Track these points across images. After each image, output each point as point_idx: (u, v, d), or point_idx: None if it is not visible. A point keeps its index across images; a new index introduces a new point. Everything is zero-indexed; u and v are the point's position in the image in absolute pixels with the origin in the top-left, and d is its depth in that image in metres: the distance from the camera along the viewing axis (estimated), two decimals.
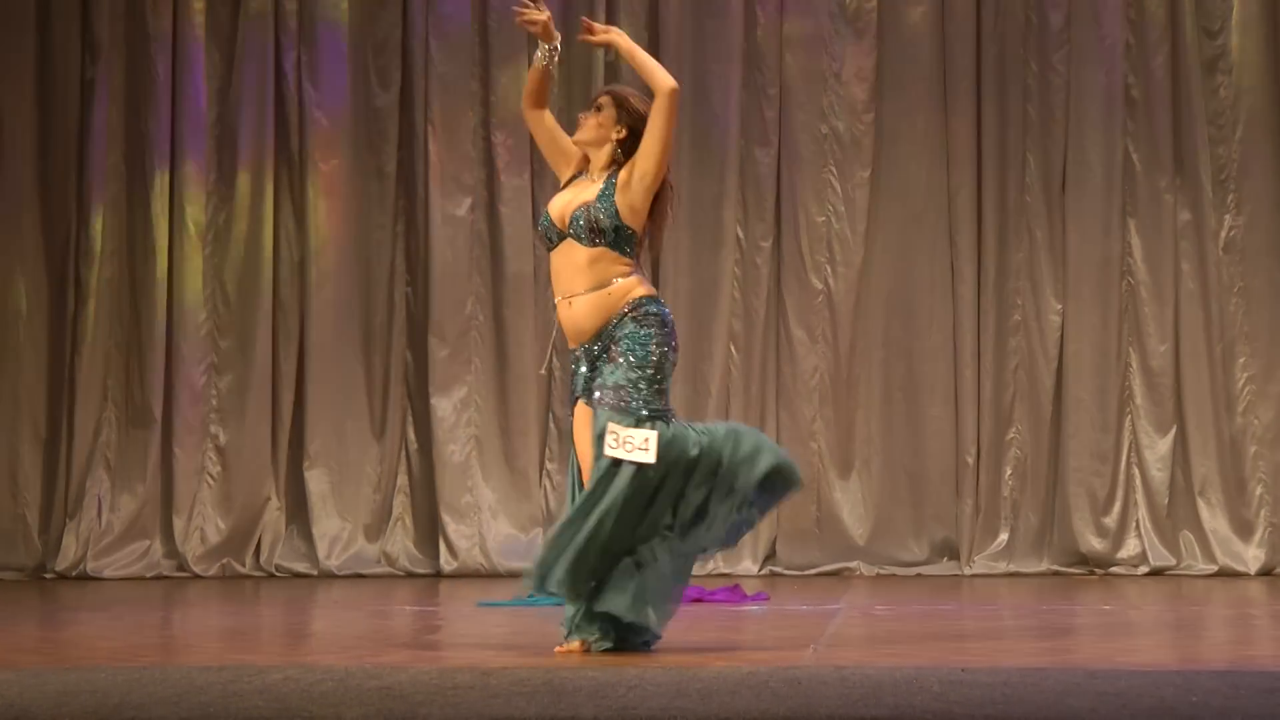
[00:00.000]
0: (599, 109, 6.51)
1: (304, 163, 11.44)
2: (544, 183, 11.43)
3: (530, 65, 6.59)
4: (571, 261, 6.33)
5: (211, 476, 11.37)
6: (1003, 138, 11.29)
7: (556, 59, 6.51)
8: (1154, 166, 11.19)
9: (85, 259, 11.38)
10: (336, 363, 11.41)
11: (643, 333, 6.26)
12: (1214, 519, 11.06)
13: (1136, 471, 11.15)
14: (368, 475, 11.41)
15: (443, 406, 11.33)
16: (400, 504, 11.46)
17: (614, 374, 6.23)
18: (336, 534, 11.33)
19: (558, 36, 6.51)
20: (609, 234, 6.30)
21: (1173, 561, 11.03)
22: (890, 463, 11.27)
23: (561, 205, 6.41)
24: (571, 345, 6.41)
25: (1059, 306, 11.22)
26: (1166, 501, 11.09)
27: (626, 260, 6.34)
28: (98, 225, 11.37)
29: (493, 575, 11.13)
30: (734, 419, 11.18)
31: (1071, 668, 5.66)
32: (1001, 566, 11.12)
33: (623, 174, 6.38)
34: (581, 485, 6.34)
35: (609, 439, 6.13)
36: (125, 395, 11.40)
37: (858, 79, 11.35)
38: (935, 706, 4.57)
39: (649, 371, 6.24)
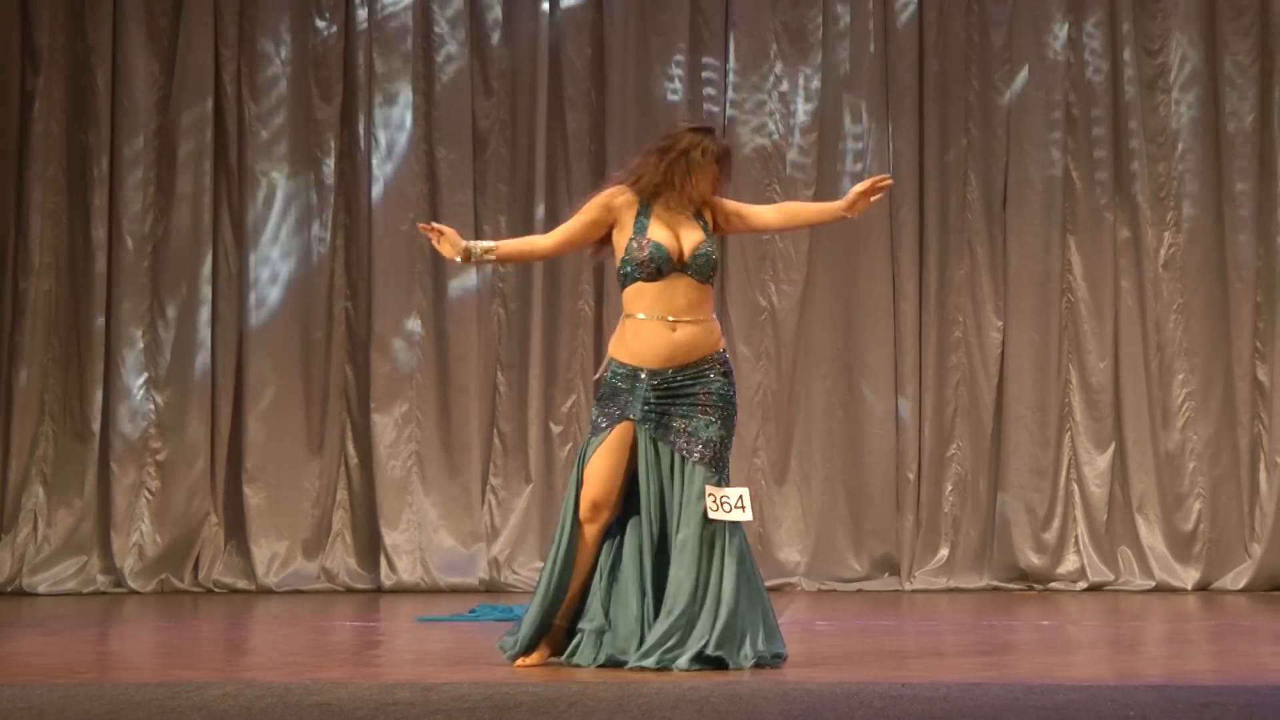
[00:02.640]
0: (720, 163, 6.61)
1: (244, 175, 11.39)
2: (486, 197, 11.42)
3: (487, 259, 6.72)
4: (684, 293, 6.51)
5: (150, 492, 11.29)
6: (944, 155, 11.34)
7: (489, 253, 6.61)
8: (1094, 184, 11.25)
9: (23, 271, 11.28)
10: (275, 377, 11.35)
11: (730, 391, 6.55)
12: (1152, 535, 11.12)
13: (1076, 488, 11.20)
14: (307, 491, 11.35)
15: (383, 421, 11.29)
16: (340, 519, 11.41)
17: (709, 429, 6.45)
18: (275, 549, 11.27)
19: (461, 245, 6.57)
20: (717, 273, 6.63)
21: (1111, 577, 11.09)
22: (831, 478, 11.29)
23: (671, 237, 6.51)
24: (651, 364, 6.46)
25: (999, 323, 11.27)
26: (1105, 518, 11.14)
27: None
28: (36, 237, 11.28)
29: (434, 591, 11.10)
30: None
31: (1011, 683, 5.68)
32: (942, 582, 11.15)
33: (708, 214, 6.61)
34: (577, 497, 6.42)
35: (709, 501, 6.34)
36: (63, 409, 11.31)
37: (801, 97, 11.37)
38: None
39: (732, 431, 6.55)
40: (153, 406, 11.31)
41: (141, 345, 11.32)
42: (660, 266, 6.46)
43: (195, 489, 11.28)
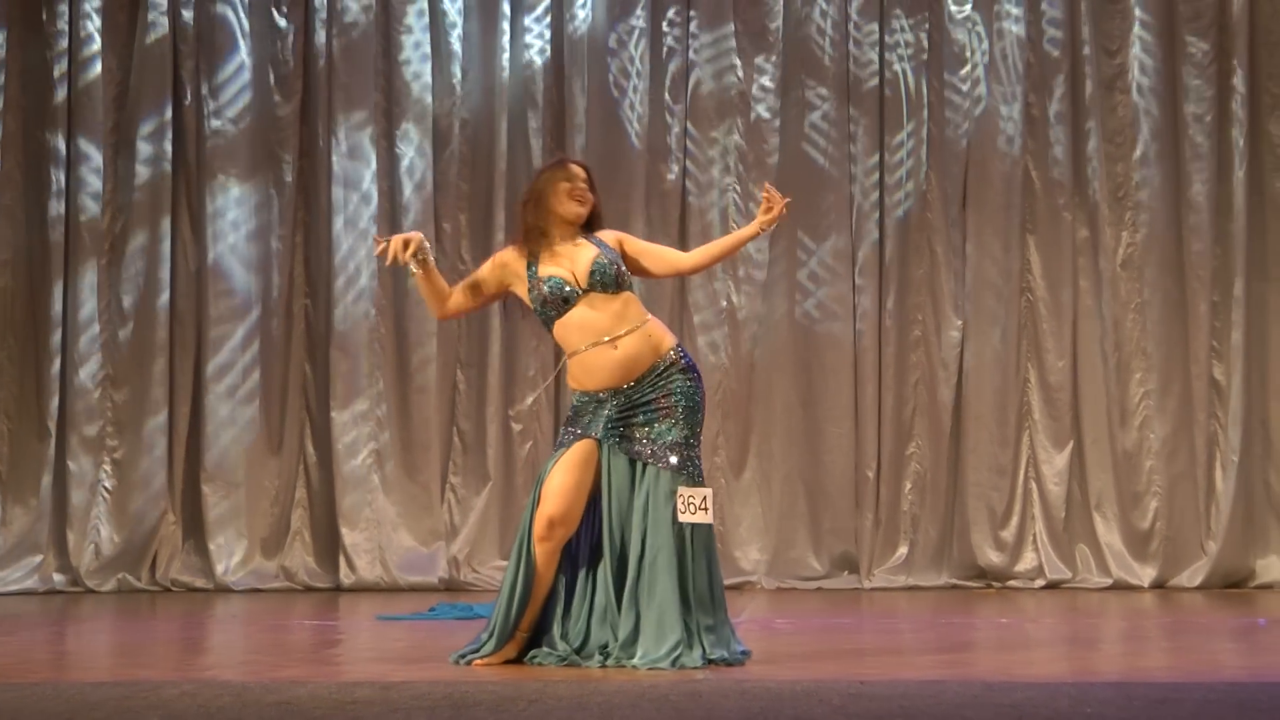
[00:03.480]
0: (585, 182, 6.65)
1: (202, 172, 11.35)
2: (446, 195, 11.41)
3: (411, 276, 6.67)
4: (602, 309, 6.49)
5: (107, 490, 11.25)
6: (904, 155, 11.36)
7: (428, 260, 6.56)
8: (1053, 184, 11.29)
9: None
10: (234, 375, 11.32)
11: (692, 387, 6.53)
12: (1109, 533, 11.17)
13: (1034, 486, 11.24)
14: (265, 489, 11.33)
15: (343, 419, 11.27)
16: (299, 518, 11.39)
17: (671, 431, 6.44)
18: (234, 548, 11.24)
19: (412, 253, 6.51)
20: (628, 279, 6.55)
21: (1069, 575, 11.13)
22: (791, 477, 11.30)
23: (562, 268, 6.51)
24: (609, 386, 6.45)
25: (959, 322, 11.30)
26: (1063, 515, 11.19)
27: (637, 299, 6.62)
28: None
29: (393, 589, 11.08)
30: None
31: (969, 680, 5.69)
32: (901, 580, 11.18)
33: (611, 238, 6.65)
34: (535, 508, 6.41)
35: (679, 503, 6.33)
36: (19, 407, 11.26)
37: (762, 97, 11.38)
38: (835, 719, 4.58)
39: (698, 428, 6.54)
40: (110, 405, 11.27)
41: (99, 343, 11.27)
42: (565, 296, 6.47)
43: (153, 487, 11.24)
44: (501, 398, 11.29)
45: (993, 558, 11.16)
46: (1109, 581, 11.08)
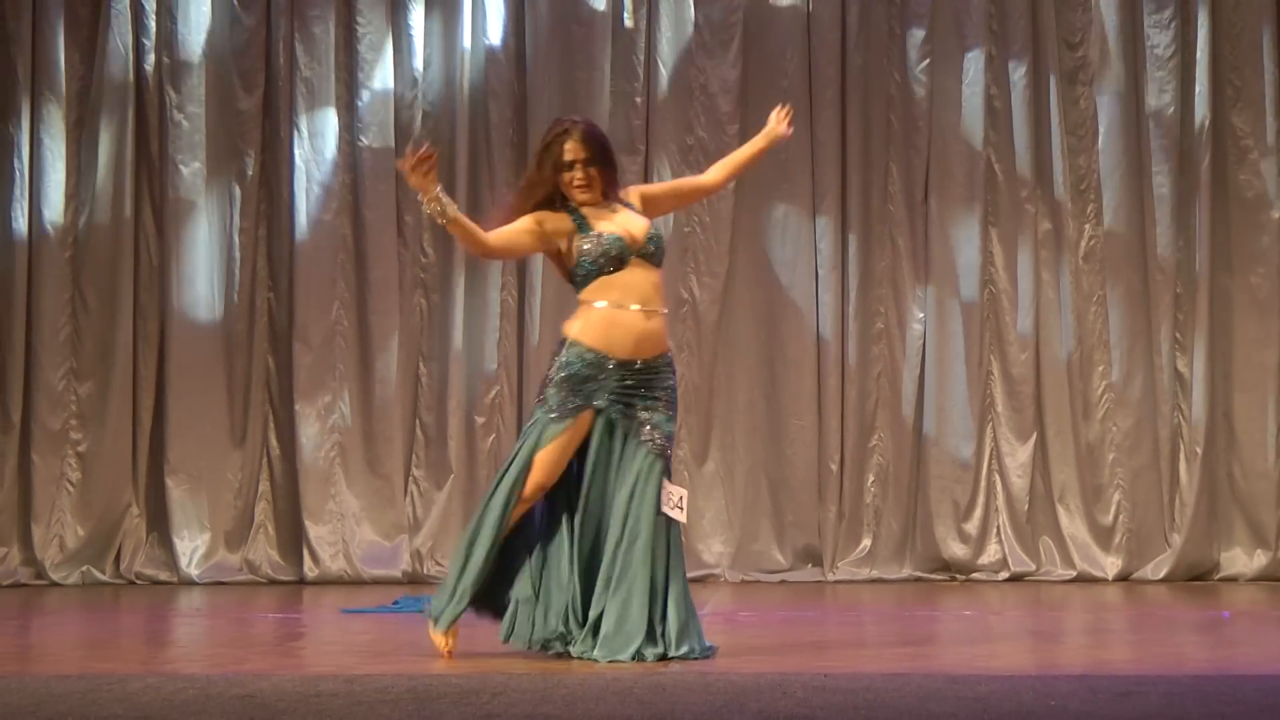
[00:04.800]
0: (584, 165, 6.54)
1: (165, 166, 11.31)
2: (407, 187, 11.34)
3: (444, 218, 6.44)
4: (649, 280, 6.53)
5: (71, 483, 11.21)
6: (866, 147, 11.38)
7: (443, 215, 6.40)
8: (1015, 176, 11.32)
9: None
10: (197, 368, 11.29)
11: (674, 386, 6.56)
12: (1073, 525, 11.20)
13: (997, 478, 11.27)
14: (229, 482, 11.30)
15: (306, 412, 11.25)
16: (262, 511, 11.37)
17: (669, 423, 6.50)
18: (198, 541, 11.21)
19: (435, 191, 6.38)
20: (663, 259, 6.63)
21: (1032, 567, 11.16)
22: (754, 470, 11.31)
23: (621, 227, 6.51)
24: (620, 355, 6.46)
25: (921, 315, 11.32)
26: (1026, 508, 11.21)
27: None
28: None
29: (357, 582, 11.07)
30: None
31: (933, 673, 5.71)
32: (864, 573, 11.20)
33: (635, 199, 6.67)
34: (509, 473, 6.42)
35: (665, 496, 6.38)
36: None
37: (723, 90, 11.38)
38: (799, 712, 4.59)
39: (676, 425, 6.57)
40: (74, 398, 11.23)
41: (63, 336, 11.23)
42: (621, 254, 6.47)
43: (117, 480, 11.21)
44: (464, 391, 11.28)
45: (956, 550, 11.19)
46: (1073, 574, 11.11)
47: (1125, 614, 8.95)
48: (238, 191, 11.38)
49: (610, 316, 6.46)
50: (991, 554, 11.20)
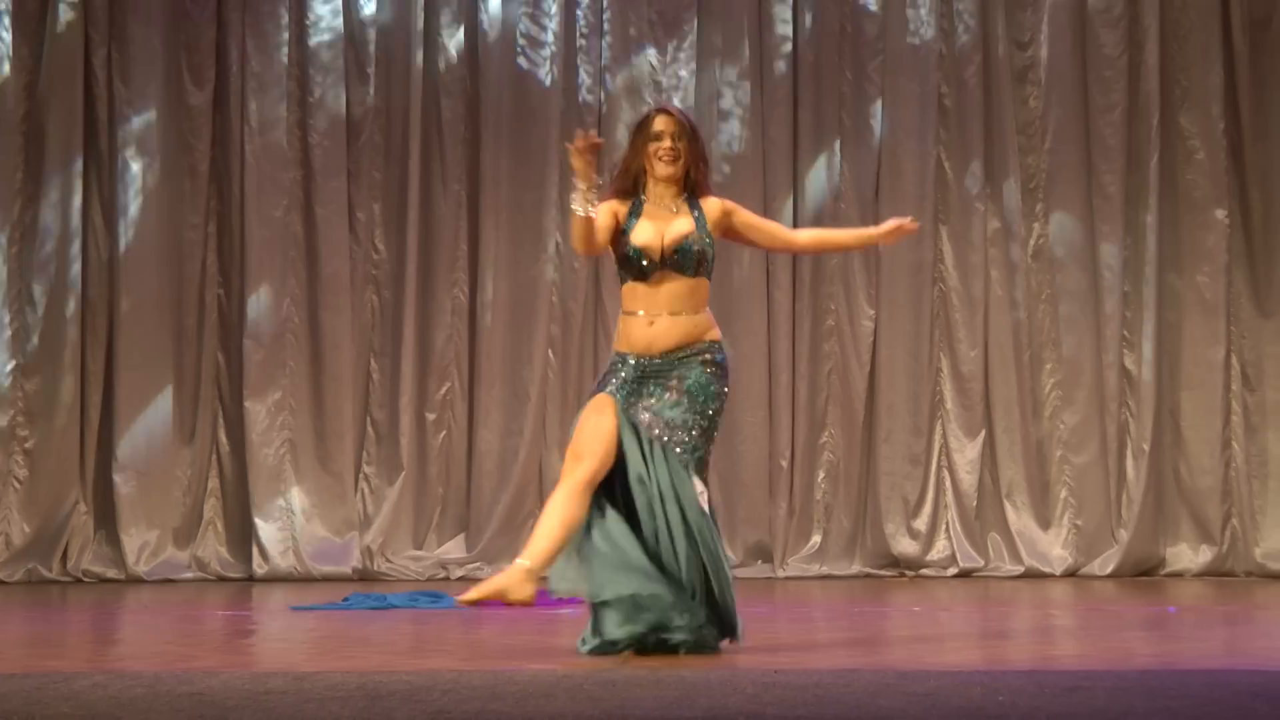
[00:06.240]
0: (673, 138, 6.55)
1: (114, 161, 11.26)
2: (360, 184, 11.36)
3: (577, 213, 6.37)
4: (668, 288, 6.50)
5: (17, 480, 11.15)
6: (818, 144, 11.41)
7: (594, 197, 6.39)
8: (965, 175, 11.37)
9: None
10: (146, 365, 11.24)
11: (711, 387, 6.47)
12: (1021, 521, 11.25)
13: (947, 475, 11.32)
14: (178, 479, 11.26)
15: (256, 409, 11.21)
16: (211, 508, 11.33)
17: (673, 409, 6.42)
18: (146, 538, 11.16)
19: (596, 174, 6.39)
20: (709, 265, 6.54)
21: (981, 563, 11.21)
22: None
23: (650, 235, 6.47)
24: (635, 353, 6.47)
25: (872, 312, 11.36)
26: (975, 504, 11.27)
27: (708, 287, 6.60)
28: None
29: (306, 579, 11.04)
30: (551, 422, 11.19)
31: (882, 669, 5.72)
32: (814, 569, 11.23)
33: (715, 209, 6.60)
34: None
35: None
36: None
37: (676, 87, 11.40)
38: (749, 708, 4.59)
39: (704, 423, 6.46)
40: (21, 394, 11.17)
41: (9, 332, 11.17)
42: (642, 268, 6.48)
43: (64, 477, 11.15)
44: (415, 387, 11.27)
45: (905, 546, 11.23)
46: (1021, 570, 11.16)
47: (1073, 609, 9.00)
48: (188, 186, 11.34)
49: (624, 324, 6.55)
50: (940, 550, 11.24)
